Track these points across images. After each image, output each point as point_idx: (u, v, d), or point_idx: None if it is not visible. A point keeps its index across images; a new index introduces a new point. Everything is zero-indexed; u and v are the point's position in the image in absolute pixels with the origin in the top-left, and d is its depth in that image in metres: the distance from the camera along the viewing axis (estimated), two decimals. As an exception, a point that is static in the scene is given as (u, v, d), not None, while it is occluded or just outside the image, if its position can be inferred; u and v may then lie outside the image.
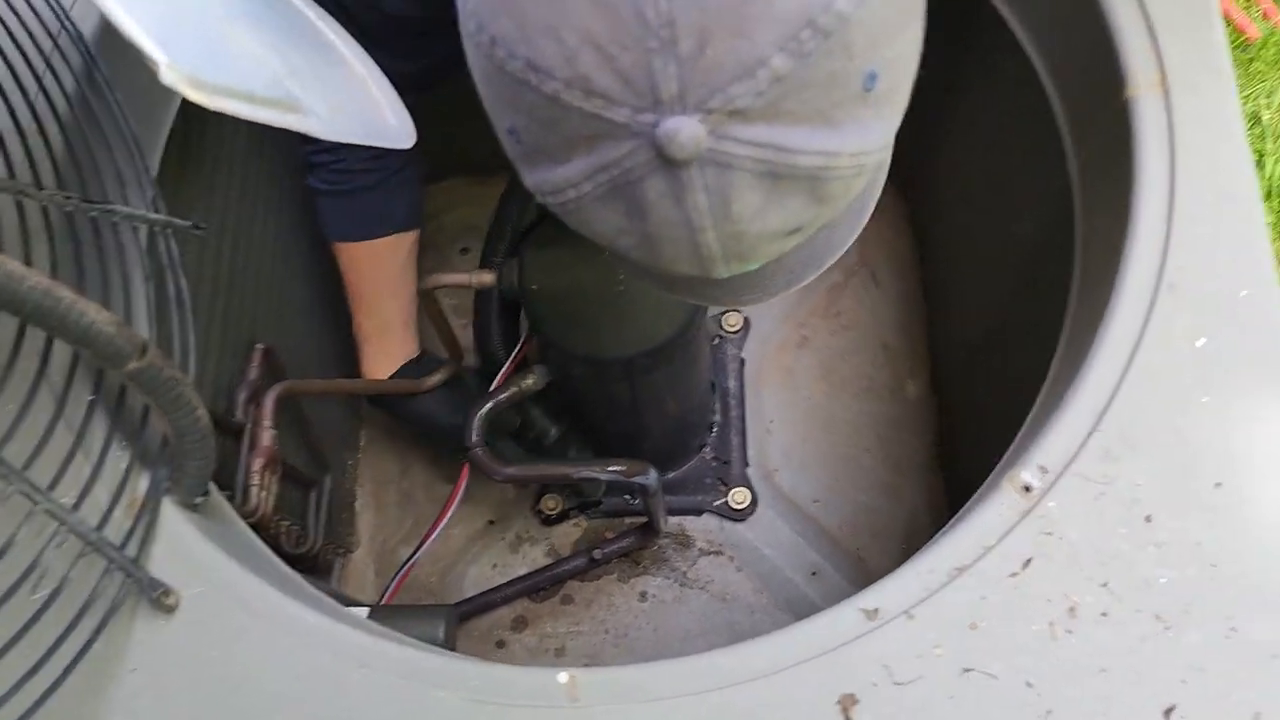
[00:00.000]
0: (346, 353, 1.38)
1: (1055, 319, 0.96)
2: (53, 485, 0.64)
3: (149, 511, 0.70)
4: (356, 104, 0.68)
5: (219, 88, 0.52)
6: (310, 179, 1.09)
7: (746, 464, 1.40)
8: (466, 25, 0.46)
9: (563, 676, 0.65)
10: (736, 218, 0.45)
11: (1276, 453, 0.67)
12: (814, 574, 1.35)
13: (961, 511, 0.73)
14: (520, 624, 1.36)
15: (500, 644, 1.35)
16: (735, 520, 1.38)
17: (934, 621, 0.65)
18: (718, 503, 1.37)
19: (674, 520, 1.38)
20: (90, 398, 0.70)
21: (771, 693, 0.64)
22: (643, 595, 1.36)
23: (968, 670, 0.63)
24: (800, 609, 1.33)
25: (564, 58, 0.42)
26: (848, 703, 0.63)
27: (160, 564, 0.69)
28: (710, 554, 1.38)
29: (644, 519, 1.32)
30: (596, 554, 1.32)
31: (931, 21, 0.48)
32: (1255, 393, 0.68)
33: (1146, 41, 0.77)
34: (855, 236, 0.60)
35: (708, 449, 1.40)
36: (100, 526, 0.66)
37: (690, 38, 0.40)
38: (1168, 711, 0.62)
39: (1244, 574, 0.65)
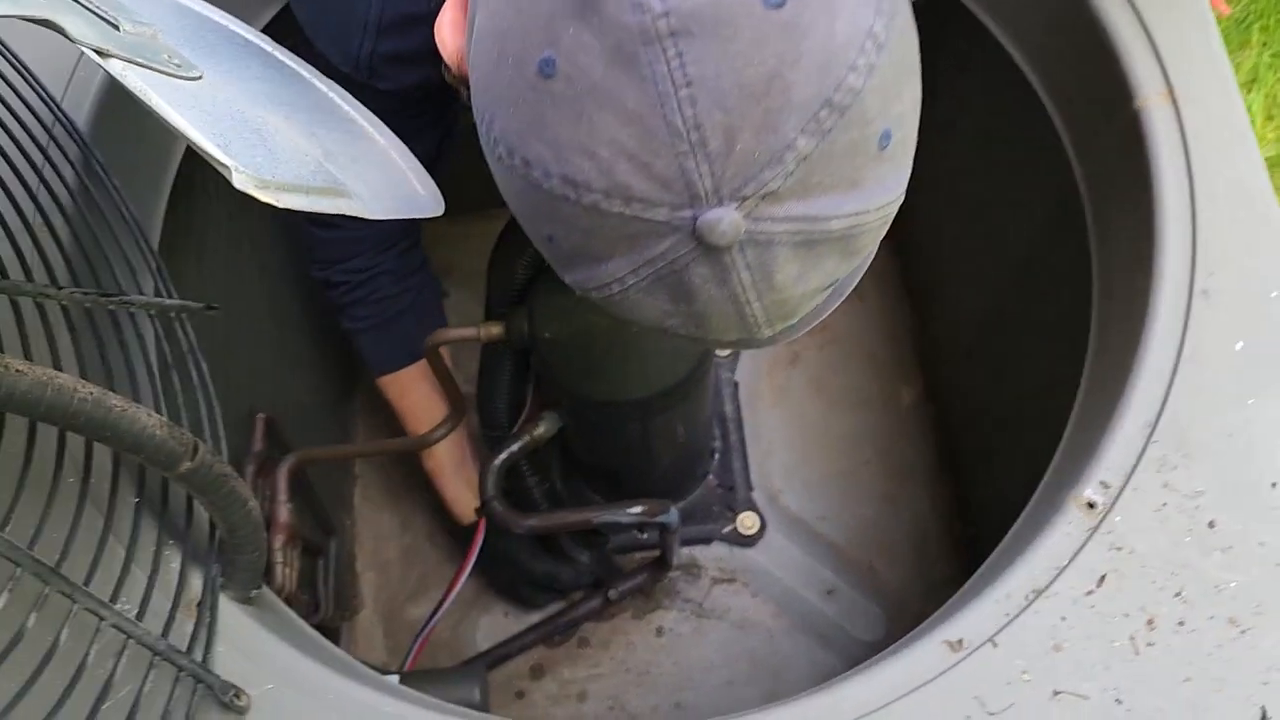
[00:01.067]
0: (343, 410, 1.36)
1: (1051, 317, 0.98)
2: (113, 597, 0.62)
3: (208, 611, 0.67)
4: (388, 178, 0.67)
5: (281, 185, 0.51)
6: (344, 321, 1.10)
7: (751, 488, 1.40)
8: (494, 150, 0.48)
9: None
10: (780, 287, 0.47)
11: (1322, 448, 0.69)
12: (829, 592, 1.36)
13: (1019, 530, 0.73)
14: (538, 671, 1.34)
15: (520, 694, 1.33)
16: (745, 546, 1.38)
17: (1018, 647, 0.65)
18: (726, 529, 1.37)
19: (684, 551, 1.38)
20: (135, 500, 0.67)
21: (864, 736, 0.64)
22: (659, 630, 1.35)
23: (1058, 693, 0.64)
24: (820, 629, 1.34)
25: (600, 171, 0.43)
26: (942, 738, 0.63)
27: (226, 663, 0.67)
28: (723, 582, 1.37)
29: (655, 553, 1.31)
30: (610, 594, 1.31)
31: (923, 41, 0.50)
32: (1297, 391, 0.70)
33: (1149, 53, 0.79)
34: (869, 264, 0.61)
35: (711, 476, 1.40)
36: (165, 633, 0.63)
37: (718, 137, 0.42)
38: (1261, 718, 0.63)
39: (1310, 570, 0.66)
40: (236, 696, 0.65)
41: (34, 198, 0.72)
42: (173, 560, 0.68)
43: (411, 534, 1.43)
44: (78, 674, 0.57)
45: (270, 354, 1.16)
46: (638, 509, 1.08)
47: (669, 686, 1.32)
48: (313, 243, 1.04)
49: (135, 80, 0.50)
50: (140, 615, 0.63)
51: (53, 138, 0.77)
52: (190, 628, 0.66)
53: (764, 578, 1.37)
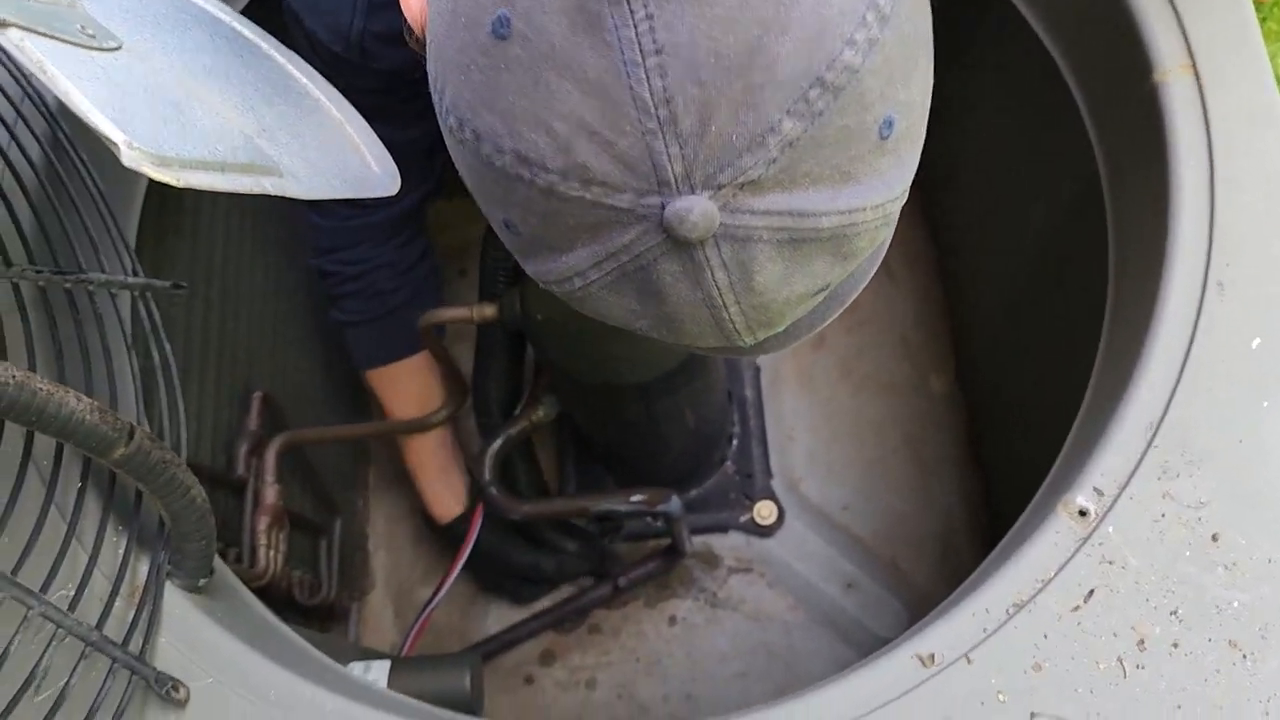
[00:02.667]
0: (347, 390, 1.35)
1: (1081, 304, 0.92)
2: (47, 583, 0.60)
3: (151, 600, 0.66)
4: (336, 154, 0.64)
5: (186, 162, 0.48)
6: (335, 313, 1.07)
7: (770, 475, 1.36)
8: (446, 121, 0.43)
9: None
10: (760, 289, 0.42)
11: (1346, 457, 0.63)
12: (849, 585, 1.31)
13: (1010, 537, 0.69)
14: (548, 658, 1.32)
15: (529, 680, 1.31)
16: (762, 535, 1.33)
17: (995, 664, 0.61)
18: (743, 518, 1.33)
19: (699, 539, 1.34)
20: (79, 484, 0.66)
21: (825, 753, 0.60)
22: (672, 620, 1.32)
23: (1035, 715, 0.59)
24: (838, 623, 1.29)
25: (557, 148, 0.39)
26: (908, 759, 0.59)
27: (167, 655, 0.65)
28: (740, 572, 1.33)
29: (668, 540, 1.27)
30: (621, 581, 1.28)
31: (938, 11, 0.44)
32: (1319, 394, 0.64)
33: (1171, 22, 0.73)
34: (874, 272, 0.55)
35: (729, 462, 1.35)
36: (100, 623, 0.62)
37: (691, 114, 0.37)
38: (1253, 746, 0.57)
39: (1323, 591, 0.60)
40: (174, 689, 0.63)
41: (-9, 174, 0.70)
42: (118, 546, 0.67)
43: (424, 516, 1.41)
44: (-2, 664, 0.56)
45: (271, 333, 1.15)
46: (637, 497, 1.05)
47: (680, 677, 1.29)
48: (310, 230, 1.02)
49: (32, 51, 0.47)
50: (76, 602, 0.61)
51: (20, 114, 0.75)
52: (131, 617, 0.64)
53: (782, 569, 1.33)
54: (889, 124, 0.40)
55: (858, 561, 1.32)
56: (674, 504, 1.05)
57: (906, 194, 0.46)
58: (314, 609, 1.17)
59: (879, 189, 0.42)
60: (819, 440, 1.39)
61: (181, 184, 0.47)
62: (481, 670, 1.03)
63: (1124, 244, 0.76)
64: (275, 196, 0.56)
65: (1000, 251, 1.21)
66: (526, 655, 1.32)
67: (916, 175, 0.45)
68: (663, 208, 0.39)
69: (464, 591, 1.35)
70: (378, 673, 0.93)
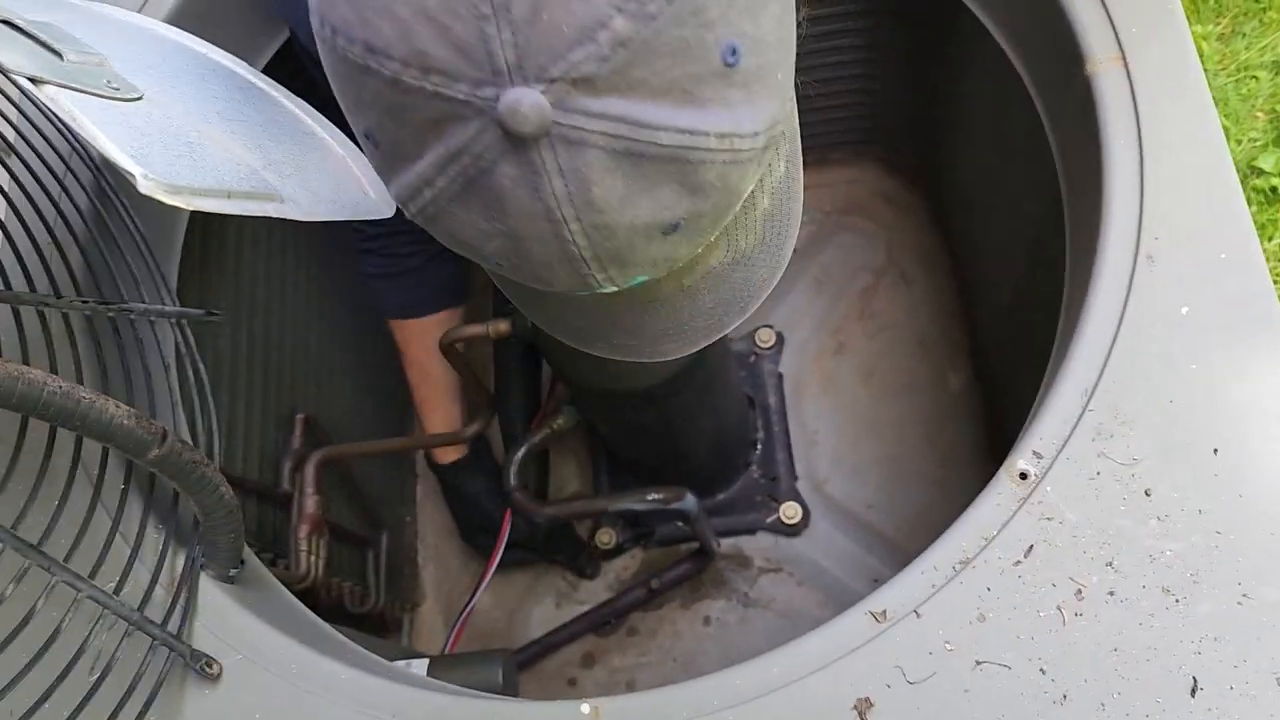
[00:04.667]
0: (388, 412, 1.44)
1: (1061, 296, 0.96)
2: (94, 571, 0.69)
3: (187, 587, 0.74)
4: (335, 184, 0.72)
5: (196, 190, 0.56)
6: (361, 264, 1.18)
7: (795, 477, 1.40)
8: (313, 25, 0.45)
9: (585, 708, 0.67)
10: (601, 205, 0.42)
11: (1270, 411, 0.66)
12: (876, 581, 1.35)
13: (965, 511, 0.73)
14: (589, 660, 1.38)
15: (571, 682, 1.37)
16: (790, 535, 1.38)
17: (942, 618, 0.65)
18: (770, 520, 1.38)
19: (729, 541, 1.39)
20: (123, 486, 0.74)
21: (787, 704, 0.65)
22: (706, 620, 1.37)
23: (980, 663, 0.64)
24: (863, 616, 1.33)
25: (399, 34, 0.40)
26: (863, 706, 0.64)
27: (202, 636, 0.73)
28: (770, 572, 1.38)
29: (698, 544, 1.33)
30: (654, 583, 1.34)
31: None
32: (1243, 354, 0.68)
33: (1100, 15, 0.77)
34: (778, 276, 0.57)
35: (754, 467, 1.41)
36: (142, 606, 0.70)
37: (524, 1, 0.38)
38: (1192, 690, 0.61)
39: (1250, 538, 0.64)
40: (208, 665, 0.71)
41: (48, 225, 0.80)
42: (158, 541, 0.75)
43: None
44: (51, 639, 0.64)
45: (316, 360, 1.24)
46: (653, 495, 1.11)
47: (715, 675, 1.34)
48: None
49: (65, 103, 0.56)
50: (119, 589, 0.69)
51: (69, 167, 0.85)
52: (169, 602, 0.72)
53: (810, 567, 1.37)
54: (733, 51, 0.41)
55: (883, 557, 1.36)
56: (689, 501, 1.11)
57: (769, 144, 0.46)
58: (366, 618, 1.25)
59: (726, 119, 0.42)
60: (843, 442, 1.44)
61: (192, 207, 0.56)
62: (514, 665, 1.10)
63: (1075, 228, 0.81)
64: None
65: (1001, 248, 1.24)
66: (568, 658, 1.38)
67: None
68: (497, 99, 0.39)
69: (508, 599, 1.42)
70: (417, 669, 1.01)
